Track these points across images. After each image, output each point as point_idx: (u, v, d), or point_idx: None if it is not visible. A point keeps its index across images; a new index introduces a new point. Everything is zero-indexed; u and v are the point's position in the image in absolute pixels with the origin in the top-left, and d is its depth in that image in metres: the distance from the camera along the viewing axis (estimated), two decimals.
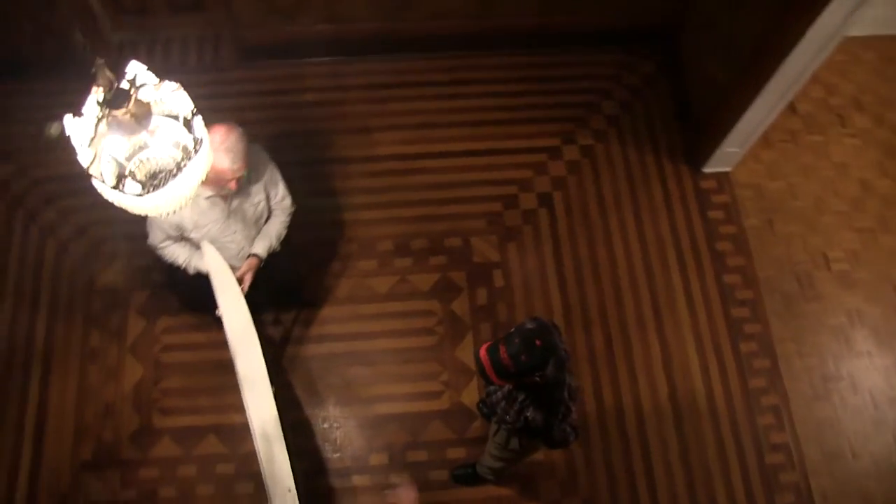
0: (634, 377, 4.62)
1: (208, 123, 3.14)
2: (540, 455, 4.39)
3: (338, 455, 4.40)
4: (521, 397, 3.10)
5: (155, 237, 3.49)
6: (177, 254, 3.55)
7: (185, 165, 2.01)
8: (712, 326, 4.77)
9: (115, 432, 4.43)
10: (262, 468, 3.16)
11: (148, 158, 1.93)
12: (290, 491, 3.10)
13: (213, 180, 3.18)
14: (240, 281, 3.59)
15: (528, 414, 3.07)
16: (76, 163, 1.98)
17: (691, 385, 4.61)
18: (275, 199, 3.60)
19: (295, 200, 3.76)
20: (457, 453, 4.40)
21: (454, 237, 4.89)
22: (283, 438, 3.21)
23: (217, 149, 3.07)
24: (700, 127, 5.05)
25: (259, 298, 4.57)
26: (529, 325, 3.12)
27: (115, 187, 1.88)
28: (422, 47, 5.29)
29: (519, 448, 3.53)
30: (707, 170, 5.12)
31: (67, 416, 4.46)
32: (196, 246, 3.53)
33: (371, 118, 5.21)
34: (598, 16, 5.19)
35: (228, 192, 3.29)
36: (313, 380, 4.56)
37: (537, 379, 2.98)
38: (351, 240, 4.88)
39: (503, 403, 3.18)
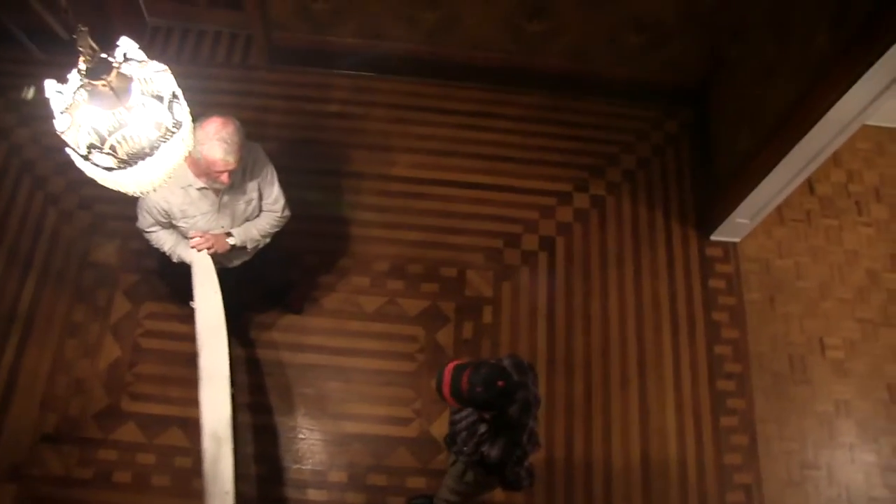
0: (609, 433, 4.54)
1: (217, 116, 3.19)
2: (500, 496, 4.34)
3: (297, 466, 4.34)
4: (481, 430, 3.08)
5: (143, 221, 3.49)
6: (163, 240, 3.54)
7: (159, 147, 2.00)
8: (696, 395, 4.68)
9: (82, 409, 4.41)
10: (204, 466, 3.11)
11: (130, 136, 1.93)
12: (227, 493, 3.04)
13: (204, 171, 3.18)
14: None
15: (485, 449, 3.04)
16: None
17: (665, 450, 4.52)
18: (267, 200, 3.57)
19: (291, 208, 3.72)
20: (417, 483, 4.33)
21: (450, 267, 4.86)
22: (231, 441, 3.16)
23: (211, 139, 3.06)
24: (715, 193, 5.00)
25: (246, 298, 4.61)
26: (505, 362, 3.11)
27: (86, 157, 1.87)
28: (454, 75, 5.31)
29: (474, 483, 3.49)
30: (715, 238, 5.06)
31: (37, 386, 4.45)
32: (184, 235, 3.51)
33: (391, 137, 5.22)
34: (631, 69, 5.19)
35: (220, 185, 3.27)
36: (287, 387, 4.52)
37: (486, 416, 3.01)
38: (348, 254, 4.85)
39: (464, 434, 3.16)
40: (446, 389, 2.84)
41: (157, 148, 2.22)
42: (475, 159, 5.17)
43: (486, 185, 5.09)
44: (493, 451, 3.01)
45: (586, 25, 4.88)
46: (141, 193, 2.48)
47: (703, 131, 5.31)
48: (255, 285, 4.49)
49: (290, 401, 4.50)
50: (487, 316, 4.76)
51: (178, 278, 4.13)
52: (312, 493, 4.30)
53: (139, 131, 1.94)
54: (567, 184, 5.15)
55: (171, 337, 4.54)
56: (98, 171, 1.91)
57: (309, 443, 4.41)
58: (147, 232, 3.55)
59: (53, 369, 4.50)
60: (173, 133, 2.20)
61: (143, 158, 2.17)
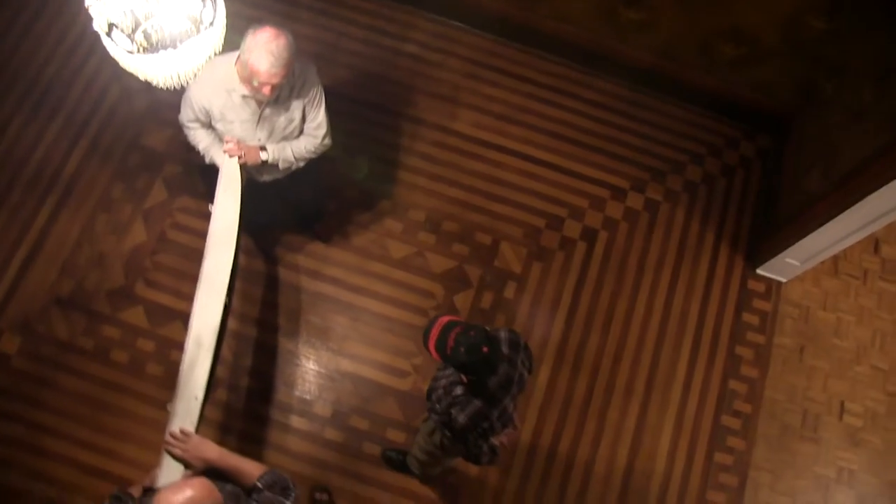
0: (599, 438, 4.46)
1: (271, 27, 3.13)
2: (474, 470, 4.32)
3: (287, 389, 4.39)
4: (457, 392, 3.04)
5: (185, 114, 3.49)
6: (199, 138, 3.55)
7: (186, 41, 1.96)
8: (697, 423, 4.56)
9: (98, 283, 4.51)
10: (181, 366, 3.11)
11: (159, 24, 1.89)
12: (196, 399, 3.04)
13: (246, 78, 3.14)
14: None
15: (454, 411, 3.00)
16: None
17: (651, 470, 4.44)
18: (310, 124, 3.51)
19: (334, 137, 3.67)
20: (397, 436, 4.34)
21: (486, 234, 4.78)
22: (212, 349, 3.14)
23: (259, 48, 3.02)
24: (771, 227, 4.80)
25: (279, 215, 4.63)
26: (501, 334, 3.06)
27: (108, 35, 1.84)
28: (538, 44, 5.15)
29: (440, 445, 3.47)
30: (761, 272, 4.88)
31: (62, 251, 4.57)
32: (220, 139, 3.50)
33: (460, 91, 5.12)
34: (718, 80, 4.98)
35: (264, 98, 3.23)
36: (296, 311, 4.54)
37: (465, 380, 2.97)
38: (388, 196, 4.82)
39: (440, 391, 3.13)
40: (432, 343, 2.82)
41: (183, 42, 2.19)
42: (538, 133, 5.04)
43: (543, 161, 4.97)
44: (460, 417, 2.98)
45: (683, 25, 4.66)
46: (157, 82, 2.46)
47: (777, 161, 5.07)
48: (290, 206, 4.51)
49: (295, 325, 4.53)
50: (510, 291, 4.69)
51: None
52: (295, 420, 4.34)
53: (169, 21, 1.91)
54: (625, 180, 4.99)
55: (197, 234, 4.56)
56: (118, 51, 1.89)
57: (303, 370, 4.44)
58: (186, 126, 3.55)
59: (80, 239, 4.60)
60: (203, 30, 2.16)
61: (166, 48, 2.15)
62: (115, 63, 4.95)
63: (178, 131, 3.78)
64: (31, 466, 4.16)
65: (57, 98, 4.87)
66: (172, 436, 2.86)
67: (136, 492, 2.81)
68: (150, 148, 4.81)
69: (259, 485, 2.69)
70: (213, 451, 2.82)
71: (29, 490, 4.12)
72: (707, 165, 5.10)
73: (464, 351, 2.74)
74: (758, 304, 4.86)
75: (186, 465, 2.82)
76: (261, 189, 3.77)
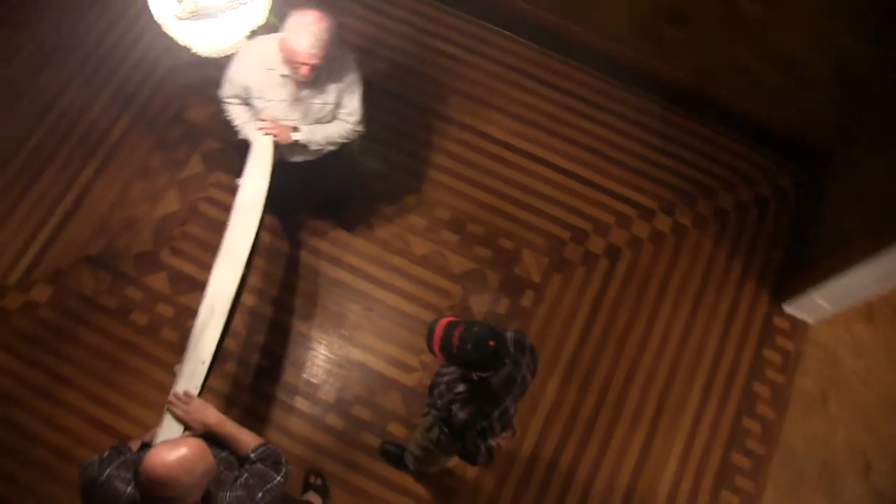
0: (602, 456, 4.41)
1: (317, 10, 3.22)
2: (472, 472, 4.31)
3: (294, 371, 4.46)
4: (459, 389, 3.06)
5: (225, 90, 3.63)
6: (236, 114, 3.67)
7: (226, 13, 2.04)
8: (705, 457, 4.46)
9: (127, 246, 4.67)
10: (192, 330, 3.20)
11: None
12: (203, 363, 3.12)
13: (288, 58, 3.25)
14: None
15: (455, 407, 3.03)
16: None
17: (652, 496, 4.38)
18: (343, 109, 3.61)
19: (366, 126, 3.74)
20: (397, 430, 4.36)
21: (509, 240, 4.79)
22: (224, 317, 3.22)
23: (301, 28, 3.13)
24: (803, 264, 4.68)
25: (306, 198, 4.72)
26: (507, 334, 3.06)
27: None
28: (577, 55, 5.17)
29: (436, 441, 3.49)
30: (788, 309, 4.76)
31: (98, 211, 4.75)
32: (256, 117, 3.61)
33: (494, 95, 5.15)
34: (758, 107, 4.90)
35: (301, 78, 3.32)
36: (313, 295, 4.62)
37: (473, 377, 2.97)
38: (415, 192, 4.87)
39: (442, 387, 3.16)
40: (436, 344, 2.83)
41: (223, 13, 2.27)
42: (569, 144, 5.03)
43: (572, 172, 4.96)
44: (460, 413, 3.00)
45: (725, 48, 4.62)
46: (196, 50, 2.55)
47: (813, 195, 4.95)
48: (318, 190, 4.58)
49: (311, 309, 4.60)
50: (527, 300, 4.68)
51: None
52: (299, 401, 4.40)
53: None
54: (654, 200, 4.95)
55: (227, 210, 4.50)
56: (165, 14, 1.97)
57: (313, 353, 4.50)
58: (225, 101, 3.68)
59: (116, 202, 4.77)
60: (245, 5, 2.24)
61: (210, 17, 2.23)
62: (168, 38, 5.15)
63: (220, 108, 3.92)
64: (45, 412, 4.31)
65: (112, 66, 5.10)
66: (176, 396, 2.96)
67: (134, 446, 2.90)
68: (193, 122, 4.97)
69: (252, 456, 2.76)
70: (213, 416, 2.90)
71: (40, 434, 4.27)
72: (740, 194, 5.02)
73: (470, 347, 2.74)
74: (781, 342, 4.74)
75: (186, 426, 2.91)
76: (290, 170, 3.86)
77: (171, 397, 2.96)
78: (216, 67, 3.65)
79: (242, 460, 2.78)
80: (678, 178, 5.02)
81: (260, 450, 2.77)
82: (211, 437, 2.78)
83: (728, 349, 4.69)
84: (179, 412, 2.89)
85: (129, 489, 2.50)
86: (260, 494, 2.61)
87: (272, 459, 2.76)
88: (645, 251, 4.84)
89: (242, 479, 2.63)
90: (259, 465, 2.71)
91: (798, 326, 4.77)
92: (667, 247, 4.86)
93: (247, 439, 2.83)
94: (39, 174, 4.82)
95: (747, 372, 4.65)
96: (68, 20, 5.21)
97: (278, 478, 2.71)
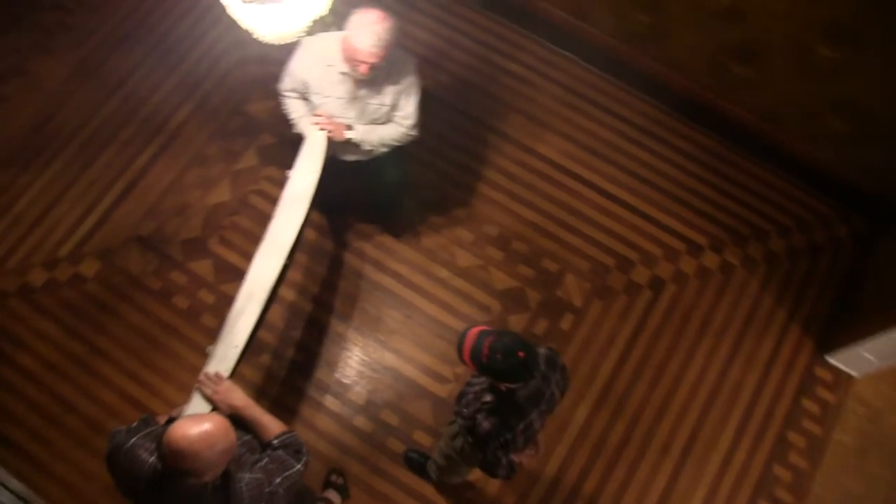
0: (625, 488, 4.35)
1: (380, 10, 3.26)
2: (491, 490, 4.29)
3: (327, 370, 4.48)
4: (486, 399, 3.05)
5: (284, 83, 3.69)
6: (293, 107, 3.73)
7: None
8: (730, 501, 4.36)
9: (176, 230, 4.76)
10: (229, 314, 3.24)
11: None
12: (236, 347, 3.16)
13: (348, 55, 3.29)
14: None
15: (479, 417, 3.02)
16: None
17: None
18: (399, 112, 3.64)
19: (421, 134, 3.78)
20: (423, 439, 4.35)
21: (553, 261, 4.77)
22: (262, 305, 3.26)
23: (364, 27, 3.17)
24: (852, 315, 4.60)
25: (355, 198, 4.75)
26: (540, 349, 3.04)
27: None
28: (640, 85, 5.16)
29: (459, 451, 3.48)
30: (831, 361, 4.65)
31: (151, 194, 4.85)
32: (312, 112, 3.66)
33: (554, 117, 5.15)
34: (820, 153, 4.82)
35: (359, 76, 3.36)
36: (354, 297, 4.64)
37: (501, 388, 2.96)
38: (464, 205, 4.88)
39: (470, 397, 3.16)
40: (466, 352, 2.83)
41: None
42: (624, 172, 5.01)
43: (623, 200, 4.93)
44: (485, 423, 2.99)
45: (793, 90, 4.55)
46: (257, 34, 2.58)
47: (870, 247, 4.87)
48: (368, 193, 4.61)
49: (349, 310, 4.62)
50: (566, 323, 4.65)
51: None
52: (328, 400, 4.42)
53: None
54: (703, 237, 4.89)
55: (276, 204, 4.72)
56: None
57: (347, 354, 4.52)
58: (284, 95, 3.74)
59: (170, 187, 4.87)
60: None
61: (271, 2, 2.27)
62: (237, 31, 5.26)
63: (280, 104, 3.99)
64: (82, 383, 4.41)
65: (181, 54, 5.22)
66: (206, 376, 3.00)
67: (162, 421, 2.94)
68: (252, 116, 5.05)
69: (275, 442, 2.79)
70: (240, 399, 2.95)
71: (76, 404, 4.36)
72: (793, 239, 4.94)
73: (500, 357, 2.74)
74: (822, 393, 4.63)
75: (213, 406, 2.95)
76: (342, 170, 3.90)
77: (201, 376, 3.01)
78: (278, 64, 3.71)
79: (264, 445, 2.81)
80: (731, 216, 4.96)
81: (283, 437, 2.80)
82: (236, 420, 2.80)
83: (765, 394, 4.59)
84: (208, 391, 2.94)
85: (152, 459, 2.55)
86: (278, 480, 2.63)
87: (294, 448, 2.79)
88: (690, 286, 4.78)
89: (262, 463, 2.66)
90: (280, 452, 2.74)
91: (841, 379, 4.66)
92: (712, 284, 4.80)
93: (271, 425, 2.85)
94: (100, 152, 4.95)
95: (783, 419, 4.55)
96: (143, 7, 5.36)
97: (298, 466, 2.73)
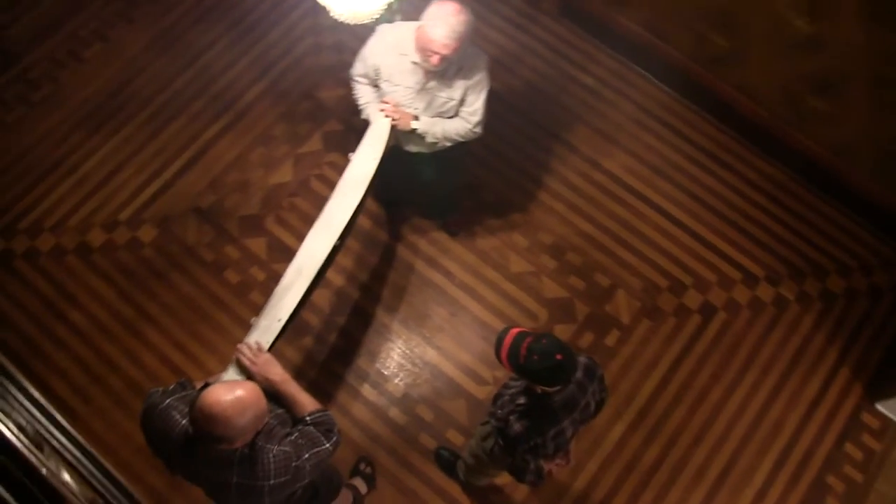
0: None
1: (457, 2, 3.26)
2: (518, 496, 4.25)
3: (368, 359, 4.49)
4: (520, 401, 3.03)
5: (356, 68, 3.70)
6: (362, 93, 3.75)
7: None
8: None
9: (235, 206, 4.83)
10: (276, 288, 3.26)
11: None
12: (279, 320, 3.17)
13: (421, 45, 3.30)
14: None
15: (512, 419, 3.00)
16: None
17: None
18: (466, 108, 3.63)
19: (488, 136, 3.77)
20: (456, 438, 4.33)
21: (605, 276, 4.73)
22: (310, 281, 3.28)
23: (439, 17, 3.17)
24: None
25: (414, 194, 4.78)
26: (580, 357, 3.02)
27: None
28: (711, 108, 5.10)
29: (489, 452, 3.45)
30: (880, 408, 4.53)
31: (215, 168, 4.93)
32: (380, 99, 3.67)
33: (621, 133, 5.12)
34: (891, 194, 4.70)
35: (430, 67, 3.37)
36: (402, 289, 4.66)
37: (537, 390, 2.94)
38: (522, 211, 4.86)
39: (506, 398, 3.14)
40: (504, 352, 2.82)
41: None
42: (686, 195, 4.96)
43: (682, 223, 4.87)
44: (516, 425, 2.97)
45: (869, 126, 4.46)
46: (335, 12, 2.59)
47: None
48: (428, 188, 4.60)
49: (397, 302, 4.64)
50: (611, 339, 4.60)
51: None
52: (366, 389, 4.43)
53: None
54: (760, 268, 4.81)
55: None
56: None
57: (389, 346, 4.53)
58: (354, 80, 3.76)
59: (234, 162, 4.94)
60: None
61: None
62: (314, 17, 5.33)
63: (350, 93, 4.03)
64: (127, 346, 4.49)
65: (260, 33, 5.32)
66: (247, 345, 3.01)
67: (198, 386, 2.97)
68: (321, 101, 5.11)
69: (307, 419, 2.78)
70: (277, 373, 2.94)
71: (119, 365, 4.44)
72: (853, 280, 4.83)
73: (537, 358, 2.72)
74: (867, 439, 4.51)
75: (250, 377, 2.94)
76: (404, 161, 3.92)
77: (241, 346, 3.01)
78: (352, 53, 3.75)
79: (297, 421, 2.82)
80: (791, 250, 4.87)
81: (316, 414, 2.80)
82: (270, 394, 2.80)
83: (807, 434, 4.49)
84: (246, 361, 2.93)
85: (185, 422, 2.57)
86: (306, 455, 2.64)
87: (325, 426, 2.79)
88: (741, 316, 4.70)
89: (292, 437, 2.67)
90: (311, 428, 2.74)
91: (889, 427, 4.54)
92: (764, 316, 4.71)
93: (305, 402, 2.86)
94: (169, 122, 5.05)
95: (823, 461, 4.44)
96: None
97: (327, 445, 2.73)
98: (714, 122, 5.14)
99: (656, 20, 4.91)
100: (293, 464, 2.60)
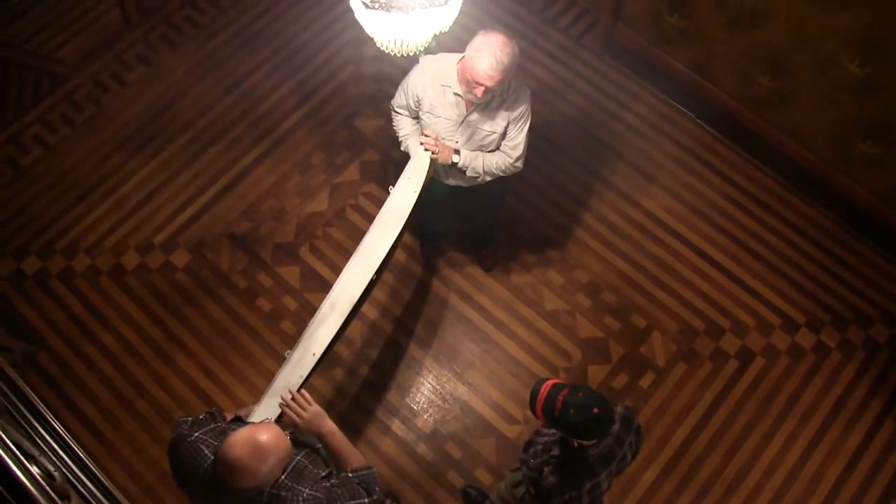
0: None
1: (503, 34, 3.21)
2: None
3: (398, 392, 4.44)
4: (555, 452, 2.96)
5: (397, 99, 3.67)
6: (402, 124, 3.72)
7: (417, 9, 2.08)
8: None
9: (270, 233, 4.82)
10: (310, 322, 3.23)
11: None
12: (314, 354, 3.14)
13: (465, 77, 3.26)
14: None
15: (546, 470, 2.92)
16: None
17: None
18: (508, 142, 3.58)
19: (526, 165, 3.71)
20: (484, 477, 4.25)
21: (641, 317, 4.64)
22: (344, 317, 3.24)
23: (485, 49, 3.13)
24: None
25: (450, 228, 4.75)
26: (617, 408, 2.94)
27: None
28: (755, 151, 5.01)
29: (520, 499, 3.37)
30: None
31: (250, 195, 4.95)
32: (420, 131, 3.66)
33: (661, 172, 5.04)
34: None
35: (474, 98, 3.33)
36: (435, 324, 4.61)
37: (573, 443, 2.85)
38: (558, 248, 4.80)
39: (539, 447, 3.07)
40: (539, 405, 2.75)
41: (414, 10, 2.28)
42: (726, 237, 4.86)
43: (722, 266, 4.77)
44: (551, 477, 2.90)
45: None
46: (379, 42, 2.56)
47: None
48: (464, 222, 4.61)
49: (429, 337, 4.59)
50: (645, 382, 4.50)
51: None
52: (395, 424, 4.37)
53: None
54: (801, 314, 4.68)
55: (371, 221, 4.68)
56: (357, 1, 2.03)
57: (421, 380, 4.47)
58: (395, 111, 3.73)
59: (270, 190, 4.95)
60: (437, 6, 2.26)
61: (397, 10, 2.27)
62: (356, 46, 5.34)
63: (389, 123, 4.02)
64: (157, 370, 4.50)
65: (301, 61, 5.35)
66: (293, 397, 2.87)
67: (228, 417, 2.93)
68: (360, 131, 5.10)
69: (350, 473, 2.71)
70: (327, 426, 2.83)
71: (148, 389, 4.44)
72: None
73: (573, 413, 2.65)
74: None
75: (296, 429, 2.80)
76: (442, 193, 3.89)
77: (285, 394, 2.89)
78: (392, 83, 3.73)
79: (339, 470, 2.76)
80: (834, 297, 4.74)
81: (361, 471, 2.71)
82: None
83: (848, 488, 4.33)
84: (292, 414, 2.81)
85: (212, 459, 2.51)
86: None
87: (368, 483, 2.70)
88: (779, 363, 4.58)
89: (329, 483, 2.58)
90: (355, 482, 2.67)
91: None
92: (804, 364, 4.58)
93: (352, 457, 2.77)
94: (208, 147, 5.09)
95: None
96: (271, 11, 5.52)
97: (365, 501, 2.63)
98: (757, 163, 5.04)
99: (703, 60, 4.86)
100: None
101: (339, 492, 2.58)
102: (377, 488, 2.71)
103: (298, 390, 2.93)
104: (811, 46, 4.26)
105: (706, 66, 4.86)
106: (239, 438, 2.37)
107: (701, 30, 4.71)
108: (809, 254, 4.84)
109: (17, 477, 1.68)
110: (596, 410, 2.64)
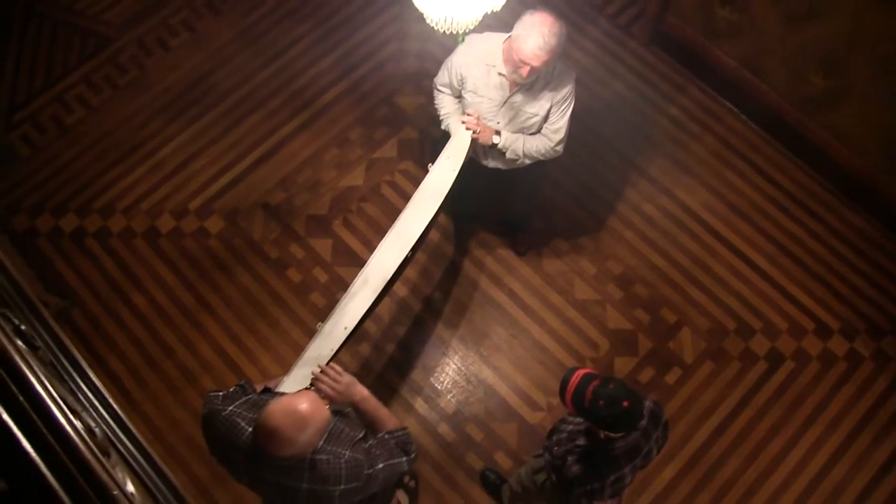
0: None
1: (551, 14, 3.16)
2: None
3: (423, 372, 4.45)
4: (579, 442, 2.94)
5: (440, 77, 3.64)
6: (444, 103, 3.69)
7: None
8: None
9: (304, 205, 4.83)
10: (342, 298, 3.23)
11: None
12: (346, 328, 3.14)
13: (511, 56, 3.22)
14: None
15: (570, 459, 2.90)
16: None
17: None
18: (549, 126, 3.53)
19: (567, 150, 3.67)
20: (504, 461, 4.25)
21: (672, 312, 4.59)
22: (376, 294, 3.24)
23: (532, 28, 3.09)
24: None
25: (485, 210, 4.73)
26: (647, 403, 2.92)
27: None
28: (801, 152, 4.90)
29: (540, 486, 3.36)
30: None
31: (288, 165, 4.95)
32: (462, 111, 3.62)
33: (702, 168, 4.96)
34: None
35: (519, 79, 3.29)
36: (464, 306, 4.60)
37: (600, 434, 2.83)
38: (593, 237, 4.76)
39: (564, 436, 3.04)
40: (569, 394, 2.72)
41: None
42: (765, 238, 4.78)
43: (758, 266, 4.70)
44: (574, 467, 2.88)
45: None
46: (429, 18, 2.53)
47: None
48: (500, 205, 4.59)
49: (457, 318, 4.58)
50: (672, 377, 4.46)
51: None
52: (418, 402, 4.39)
53: None
54: (836, 321, 4.60)
55: (406, 198, 4.64)
56: None
57: (446, 361, 4.48)
58: (438, 89, 3.71)
59: (307, 161, 4.96)
60: None
61: None
62: (400, 22, 5.32)
63: (429, 101, 3.98)
64: (185, 333, 4.54)
65: (344, 35, 5.32)
66: (324, 372, 2.86)
67: (258, 388, 2.94)
68: (400, 107, 5.08)
69: (386, 435, 2.74)
70: (360, 392, 2.84)
71: (175, 351, 4.49)
72: None
73: (603, 404, 2.63)
74: None
75: (330, 401, 2.77)
76: (480, 176, 3.85)
77: (315, 369, 2.89)
78: (435, 62, 3.69)
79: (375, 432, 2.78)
80: (872, 306, 4.65)
81: (396, 432, 2.76)
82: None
83: (872, 501, 4.25)
84: (326, 388, 2.79)
85: (251, 429, 2.52)
86: (380, 465, 2.60)
87: (403, 444, 2.75)
88: (809, 369, 4.51)
89: (367, 445, 2.63)
90: (392, 442, 2.71)
91: None
92: (834, 371, 4.51)
93: (386, 419, 2.81)
94: (247, 116, 5.09)
95: None
96: None
97: (403, 459, 2.70)
98: (803, 165, 4.94)
99: (753, 55, 4.74)
100: (365, 472, 2.57)
101: (378, 452, 2.64)
102: (413, 448, 2.75)
103: (328, 363, 2.94)
104: (869, 46, 4.13)
105: (756, 61, 4.75)
106: (278, 407, 2.38)
107: (753, 23, 4.59)
108: (850, 260, 4.75)
109: (67, 432, 1.69)
110: (626, 404, 2.62)
